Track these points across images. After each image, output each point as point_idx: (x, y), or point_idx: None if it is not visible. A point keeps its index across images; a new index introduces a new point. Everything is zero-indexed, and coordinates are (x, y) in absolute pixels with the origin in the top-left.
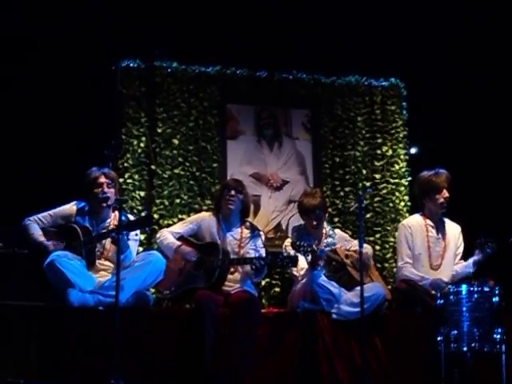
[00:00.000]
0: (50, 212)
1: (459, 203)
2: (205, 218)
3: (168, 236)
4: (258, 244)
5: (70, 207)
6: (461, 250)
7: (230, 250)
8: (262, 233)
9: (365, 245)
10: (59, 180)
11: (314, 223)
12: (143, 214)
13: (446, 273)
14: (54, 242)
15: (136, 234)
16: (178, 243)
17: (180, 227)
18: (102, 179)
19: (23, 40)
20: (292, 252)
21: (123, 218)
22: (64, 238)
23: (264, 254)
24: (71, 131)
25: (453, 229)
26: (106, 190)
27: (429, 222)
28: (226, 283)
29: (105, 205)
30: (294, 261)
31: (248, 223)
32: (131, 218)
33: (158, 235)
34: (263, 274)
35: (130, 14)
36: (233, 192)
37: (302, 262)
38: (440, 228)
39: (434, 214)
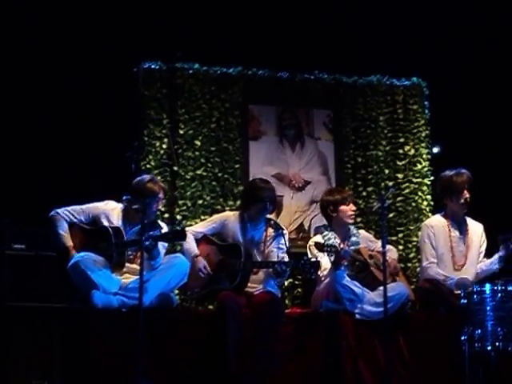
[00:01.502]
0: (82, 206)
1: (482, 202)
2: (229, 218)
3: (189, 240)
4: (282, 243)
5: (104, 205)
6: (483, 248)
7: (255, 250)
8: (285, 231)
9: (391, 247)
10: (82, 181)
11: (352, 210)
12: (178, 226)
13: (469, 272)
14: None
15: None
16: (196, 252)
17: (203, 226)
18: (161, 195)
19: (47, 42)
20: (316, 252)
21: (145, 221)
22: (94, 238)
23: (287, 256)
24: (93, 133)
25: (475, 228)
26: (159, 206)
27: (451, 222)
28: (249, 284)
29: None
30: (316, 266)
31: (272, 222)
32: (162, 224)
33: None
34: (285, 277)
35: (152, 16)
36: (268, 205)
37: (326, 262)
38: (462, 227)
39: (455, 214)
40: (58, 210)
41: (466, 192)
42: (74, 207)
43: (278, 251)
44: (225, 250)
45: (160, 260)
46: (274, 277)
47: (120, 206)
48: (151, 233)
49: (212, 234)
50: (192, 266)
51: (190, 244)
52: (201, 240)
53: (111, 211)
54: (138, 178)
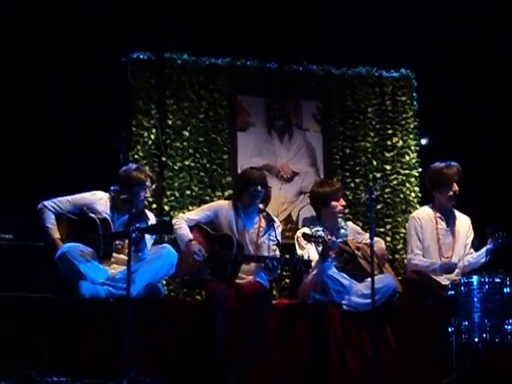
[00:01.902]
0: (69, 197)
1: (470, 194)
2: (223, 207)
3: (183, 225)
4: (273, 235)
5: (91, 196)
6: (470, 240)
7: (247, 239)
8: (277, 224)
9: (378, 239)
10: (69, 171)
11: (341, 206)
12: (165, 218)
13: (458, 264)
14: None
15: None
16: (190, 237)
17: (197, 214)
18: (148, 183)
19: (34, 32)
20: (304, 243)
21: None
22: (82, 229)
23: (278, 248)
24: (81, 123)
25: (463, 220)
26: (147, 194)
27: (438, 214)
28: (239, 274)
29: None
30: (307, 265)
31: (265, 213)
32: (149, 214)
33: (173, 221)
34: (276, 273)
35: (140, 6)
36: (259, 188)
37: (313, 254)
38: (450, 220)
39: (443, 206)
40: (45, 202)
41: (455, 184)
42: (60, 198)
43: (269, 242)
44: (217, 240)
45: (147, 252)
46: (265, 272)
47: (107, 195)
48: (138, 225)
49: (205, 223)
50: (185, 251)
51: (184, 230)
52: (193, 228)
53: (98, 201)
54: (125, 168)
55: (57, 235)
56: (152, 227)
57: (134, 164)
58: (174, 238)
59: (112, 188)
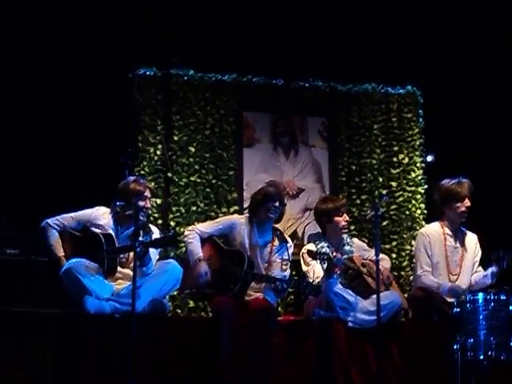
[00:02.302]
0: (72, 214)
1: (476, 211)
2: (237, 222)
3: (194, 241)
4: (286, 256)
5: (94, 212)
6: (478, 258)
7: (259, 256)
8: (290, 245)
9: (384, 256)
10: (76, 186)
11: (345, 222)
12: (170, 231)
13: (464, 281)
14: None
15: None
16: (200, 255)
17: (211, 226)
18: (147, 193)
19: (40, 46)
20: (309, 259)
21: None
22: (85, 245)
23: (288, 273)
24: (88, 138)
25: (470, 238)
26: (148, 204)
27: (447, 230)
28: (248, 292)
29: (142, 218)
30: (316, 291)
31: (279, 232)
32: (153, 228)
33: (186, 232)
34: (284, 294)
35: (147, 22)
36: (277, 204)
37: (318, 270)
38: (458, 237)
39: (453, 223)
40: (48, 221)
41: (467, 200)
42: (64, 216)
43: (281, 262)
44: (228, 255)
45: (152, 266)
46: (274, 293)
47: (109, 210)
48: (142, 239)
49: (218, 236)
50: (193, 267)
51: (195, 245)
52: (205, 240)
53: (101, 216)
54: (123, 181)
55: (61, 253)
56: (156, 241)
57: (132, 177)
58: (178, 254)
59: (118, 203)
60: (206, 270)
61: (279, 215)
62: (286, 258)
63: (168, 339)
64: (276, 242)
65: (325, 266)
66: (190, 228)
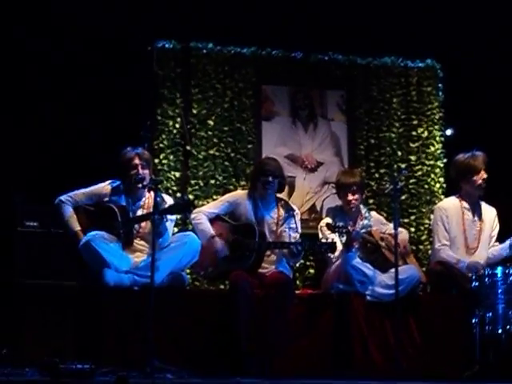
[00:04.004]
0: (83, 190)
1: (495, 186)
2: (241, 197)
3: (203, 221)
4: (293, 224)
5: (105, 186)
6: (495, 232)
7: (267, 229)
8: (297, 212)
9: (402, 229)
10: (94, 159)
11: (350, 198)
12: (183, 197)
13: (482, 256)
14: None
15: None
16: (212, 233)
17: (216, 206)
18: (137, 160)
19: (60, 20)
20: (328, 232)
21: (158, 198)
22: (101, 218)
23: (299, 236)
24: (107, 111)
25: (489, 212)
26: (140, 171)
27: (465, 204)
28: (262, 264)
29: (140, 186)
30: (332, 247)
31: (283, 202)
32: (166, 197)
33: (192, 216)
34: (300, 258)
35: None
36: (270, 178)
37: (338, 244)
38: (476, 211)
39: (471, 196)
40: (61, 197)
41: (483, 173)
42: (75, 192)
43: (289, 231)
44: (238, 229)
45: (168, 239)
46: (288, 257)
47: (121, 184)
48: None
49: (224, 214)
50: (207, 246)
51: (205, 224)
52: (213, 220)
53: (113, 190)
54: None
55: (77, 228)
56: (171, 207)
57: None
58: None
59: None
60: (222, 244)
61: (280, 187)
62: (294, 226)
63: (186, 312)
64: (282, 213)
65: (343, 239)
66: (195, 211)
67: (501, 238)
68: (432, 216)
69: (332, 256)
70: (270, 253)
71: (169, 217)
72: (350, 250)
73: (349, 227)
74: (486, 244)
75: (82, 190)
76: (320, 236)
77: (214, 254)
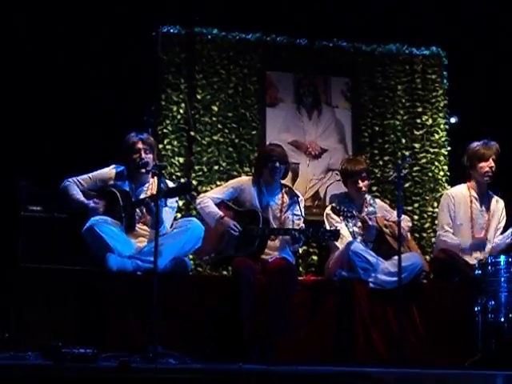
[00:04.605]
0: (89, 175)
1: (502, 175)
2: (245, 183)
3: (209, 204)
4: (297, 210)
5: (109, 170)
6: (502, 224)
7: (271, 215)
8: (301, 198)
9: (404, 216)
10: (98, 144)
11: (361, 185)
12: (183, 180)
13: (488, 246)
14: (94, 200)
15: (176, 201)
16: (221, 213)
17: (220, 192)
18: (140, 145)
19: (64, 6)
20: (334, 218)
21: (162, 184)
22: (103, 202)
23: (303, 222)
24: (111, 96)
25: (497, 203)
26: (143, 155)
27: (473, 193)
28: (265, 251)
29: (143, 170)
30: (335, 235)
31: (287, 188)
32: (170, 184)
33: (197, 201)
34: (300, 244)
35: None
36: (277, 164)
37: (344, 231)
38: (485, 201)
39: (479, 185)
40: (68, 179)
41: (491, 161)
42: (82, 176)
43: (293, 217)
44: (242, 215)
45: (164, 226)
46: (289, 243)
47: (125, 169)
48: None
49: (229, 200)
50: (212, 228)
51: (212, 207)
52: (218, 205)
53: (117, 174)
54: None
55: (83, 198)
56: (171, 189)
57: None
58: (200, 215)
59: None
60: (233, 222)
61: (286, 173)
62: (298, 213)
63: (189, 297)
64: (286, 199)
65: (350, 224)
66: (200, 196)
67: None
68: (436, 203)
69: (336, 243)
70: (274, 238)
71: (169, 204)
72: (369, 229)
73: (354, 212)
74: (492, 234)
75: (88, 174)
76: (326, 223)
77: (219, 238)
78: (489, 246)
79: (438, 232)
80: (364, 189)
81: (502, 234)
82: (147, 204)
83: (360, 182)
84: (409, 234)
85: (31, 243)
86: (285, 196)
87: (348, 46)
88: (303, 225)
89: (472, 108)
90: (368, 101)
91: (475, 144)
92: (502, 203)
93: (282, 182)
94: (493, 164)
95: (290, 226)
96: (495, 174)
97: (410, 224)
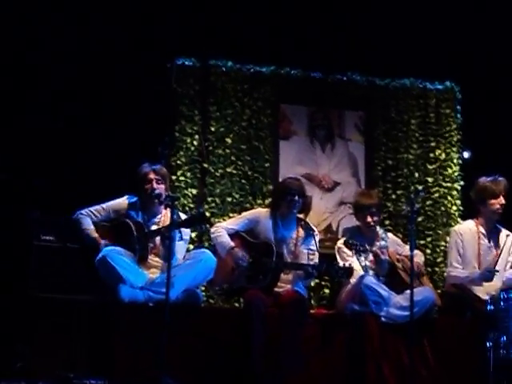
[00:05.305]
0: (103, 205)
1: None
2: (261, 215)
3: (222, 234)
4: (312, 244)
5: (123, 201)
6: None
7: (285, 249)
8: (316, 233)
9: (417, 251)
10: (112, 175)
11: (369, 220)
12: (199, 209)
13: (497, 282)
14: (106, 242)
15: (189, 233)
16: (232, 244)
17: (236, 222)
18: (152, 175)
19: (80, 35)
20: (346, 251)
21: (174, 215)
22: (117, 233)
23: (317, 258)
24: (126, 127)
25: (507, 237)
26: (155, 186)
27: (481, 229)
28: (278, 283)
29: (156, 201)
30: (348, 273)
31: (303, 222)
32: (183, 215)
33: (212, 230)
34: (311, 280)
35: (187, 12)
36: (296, 198)
37: (356, 266)
38: (493, 236)
39: (488, 221)
40: (81, 211)
41: (501, 198)
42: (95, 207)
43: (308, 252)
44: (256, 247)
45: (177, 259)
46: (302, 278)
47: (138, 200)
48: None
49: (244, 231)
50: (226, 259)
51: (224, 237)
52: (232, 236)
53: (130, 205)
54: None
55: (96, 234)
56: (186, 220)
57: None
58: (213, 245)
59: (128, 196)
60: (243, 253)
61: (304, 207)
62: (313, 247)
63: (200, 329)
64: (301, 233)
65: (362, 258)
66: (215, 226)
67: None
68: (448, 238)
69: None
70: (289, 272)
71: (183, 236)
72: (382, 263)
73: (366, 246)
74: (501, 270)
75: (102, 205)
76: (338, 257)
77: (232, 269)
78: (498, 282)
79: (448, 269)
80: (372, 224)
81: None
82: (163, 235)
83: (369, 217)
84: (423, 270)
85: (43, 272)
86: (300, 230)
87: (362, 79)
88: (317, 260)
89: (485, 143)
90: (381, 134)
91: (483, 180)
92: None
93: (299, 215)
94: (503, 201)
95: (305, 261)
96: (505, 210)
97: (423, 259)
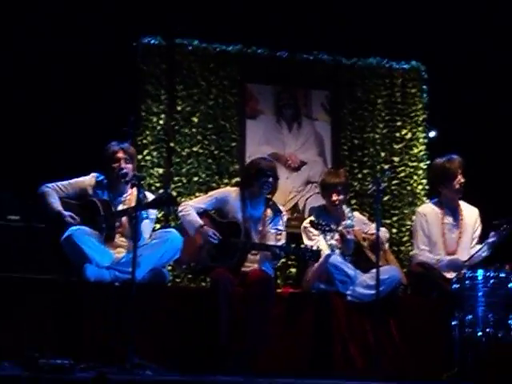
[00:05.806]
0: (70, 181)
1: (478, 187)
2: (230, 194)
3: (191, 212)
4: (280, 225)
5: (90, 179)
6: (477, 233)
7: (252, 228)
8: (284, 214)
9: (382, 228)
10: (77, 154)
11: (334, 198)
12: (166, 191)
13: (462, 258)
14: (71, 214)
15: (156, 212)
16: (201, 222)
17: (204, 201)
18: (120, 154)
19: (47, 13)
20: (312, 230)
21: (140, 194)
22: (83, 212)
23: (284, 237)
24: (91, 106)
25: (470, 212)
26: (123, 165)
27: (445, 209)
28: (245, 263)
29: (123, 180)
30: (316, 256)
31: (272, 202)
32: (149, 195)
33: (180, 208)
34: (279, 261)
35: None
36: (270, 179)
37: (323, 245)
38: (456, 214)
39: (450, 200)
40: (48, 185)
41: (460, 177)
42: (61, 182)
43: (275, 232)
44: (224, 227)
45: (143, 239)
46: (269, 259)
47: (104, 178)
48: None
49: (212, 210)
50: (194, 237)
51: (193, 215)
52: (200, 215)
53: (97, 183)
54: None
55: (60, 207)
56: (153, 201)
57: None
58: (178, 224)
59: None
60: (212, 231)
61: (272, 189)
62: (281, 228)
63: (167, 308)
64: (269, 213)
65: (328, 238)
66: (182, 204)
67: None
68: (413, 218)
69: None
70: (256, 253)
71: (149, 216)
72: (348, 242)
73: (332, 226)
74: (465, 246)
75: (69, 181)
76: (304, 237)
77: (199, 248)
78: (464, 258)
79: (414, 251)
80: (338, 202)
81: (478, 243)
82: (130, 215)
83: (334, 195)
84: (387, 246)
85: (9, 253)
86: (268, 210)
87: (328, 59)
88: (284, 240)
89: (451, 122)
90: (348, 114)
91: (439, 161)
92: (475, 212)
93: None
94: (462, 180)
95: (271, 241)
96: (467, 187)
97: (387, 235)
